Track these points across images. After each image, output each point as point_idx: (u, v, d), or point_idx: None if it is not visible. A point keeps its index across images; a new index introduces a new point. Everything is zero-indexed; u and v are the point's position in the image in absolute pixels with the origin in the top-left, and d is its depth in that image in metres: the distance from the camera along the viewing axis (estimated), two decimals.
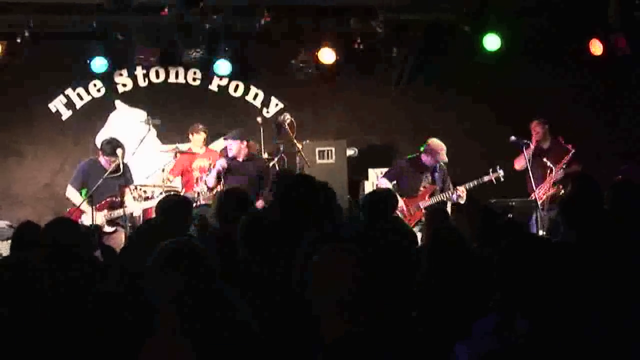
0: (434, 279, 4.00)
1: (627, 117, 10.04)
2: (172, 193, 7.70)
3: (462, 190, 8.14)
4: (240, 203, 4.95)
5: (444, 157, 8.30)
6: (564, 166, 8.36)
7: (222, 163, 8.09)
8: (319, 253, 2.57)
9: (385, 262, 3.33)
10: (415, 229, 7.97)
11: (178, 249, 2.93)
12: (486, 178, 8.22)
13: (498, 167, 8.24)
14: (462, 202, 8.14)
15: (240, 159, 8.28)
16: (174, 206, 5.06)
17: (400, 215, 7.94)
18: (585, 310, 2.75)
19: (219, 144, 9.24)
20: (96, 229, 7.29)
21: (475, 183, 8.23)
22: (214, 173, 8.06)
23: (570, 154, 8.41)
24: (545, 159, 8.41)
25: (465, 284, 3.83)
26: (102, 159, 7.83)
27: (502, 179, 8.22)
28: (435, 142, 8.33)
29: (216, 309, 2.82)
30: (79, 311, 3.20)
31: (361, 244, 3.16)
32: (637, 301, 3.28)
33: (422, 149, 8.37)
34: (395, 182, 8.37)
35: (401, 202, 8.02)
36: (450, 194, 8.17)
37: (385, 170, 8.83)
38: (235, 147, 8.24)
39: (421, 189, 8.32)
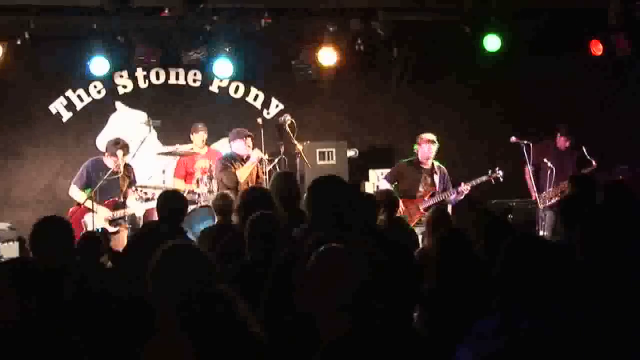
0: (442, 282, 3.99)
1: (628, 117, 10.03)
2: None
3: (465, 187, 8.00)
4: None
5: (430, 150, 8.15)
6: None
7: (258, 154, 8.04)
8: (318, 253, 2.57)
9: (386, 261, 3.33)
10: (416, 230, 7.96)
11: (178, 251, 2.94)
12: (484, 178, 8.14)
13: (497, 168, 8.17)
14: (460, 197, 8.01)
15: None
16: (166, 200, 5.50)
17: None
18: (586, 309, 2.75)
19: (220, 145, 9.23)
20: (103, 234, 7.23)
21: (473, 183, 8.14)
22: (249, 165, 7.98)
23: (592, 169, 8.29)
24: (545, 159, 8.40)
25: (471, 287, 3.83)
26: (108, 160, 7.84)
27: (501, 180, 8.16)
28: (424, 134, 8.26)
29: (217, 310, 2.81)
30: (82, 314, 3.20)
31: (361, 243, 3.16)
32: (636, 300, 3.27)
33: (415, 146, 8.31)
34: (395, 183, 8.33)
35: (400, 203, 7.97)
36: (449, 194, 8.03)
37: (386, 171, 8.80)
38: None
39: (420, 190, 8.20)
